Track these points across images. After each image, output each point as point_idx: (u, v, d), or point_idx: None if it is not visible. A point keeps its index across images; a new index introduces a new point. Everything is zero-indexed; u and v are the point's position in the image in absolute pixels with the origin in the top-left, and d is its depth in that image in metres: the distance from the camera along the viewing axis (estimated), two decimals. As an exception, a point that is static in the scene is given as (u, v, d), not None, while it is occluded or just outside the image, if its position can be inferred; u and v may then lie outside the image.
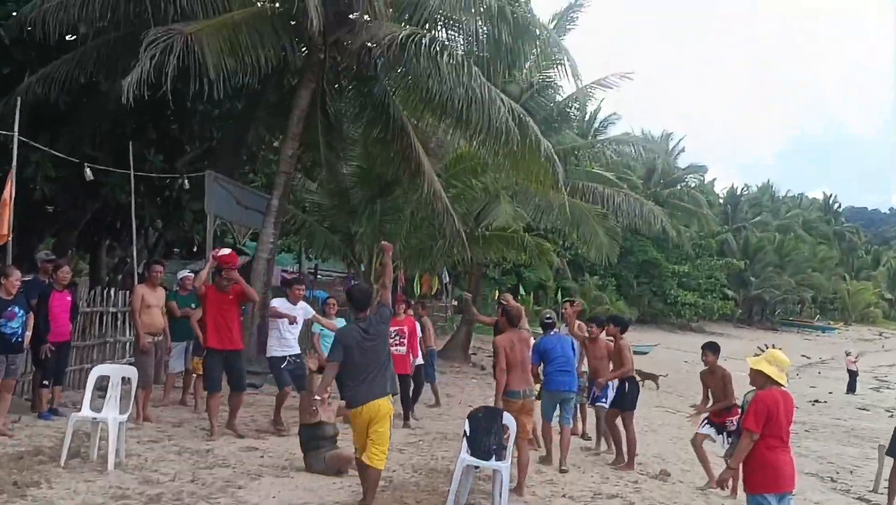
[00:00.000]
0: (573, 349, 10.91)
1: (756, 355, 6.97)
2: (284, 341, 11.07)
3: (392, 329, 11.67)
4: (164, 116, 19.07)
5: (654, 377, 23.17)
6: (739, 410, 10.15)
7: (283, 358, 11.03)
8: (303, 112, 16.42)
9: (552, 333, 10.94)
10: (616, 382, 11.51)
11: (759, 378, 6.79)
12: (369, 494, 7.53)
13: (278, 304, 11.30)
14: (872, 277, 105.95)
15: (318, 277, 33.08)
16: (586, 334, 12.06)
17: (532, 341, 9.80)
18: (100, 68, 15.32)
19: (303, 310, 11.30)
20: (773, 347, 6.96)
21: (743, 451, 6.58)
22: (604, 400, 11.72)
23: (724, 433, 10.40)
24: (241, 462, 8.91)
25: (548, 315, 11.27)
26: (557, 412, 10.49)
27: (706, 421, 10.71)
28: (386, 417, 7.46)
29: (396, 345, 12.09)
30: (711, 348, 11.06)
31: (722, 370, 10.75)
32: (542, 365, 10.46)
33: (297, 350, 11.24)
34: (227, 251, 10.54)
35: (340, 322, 12.30)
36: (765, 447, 6.48)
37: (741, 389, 21.10)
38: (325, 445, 8.85)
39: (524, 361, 9.27)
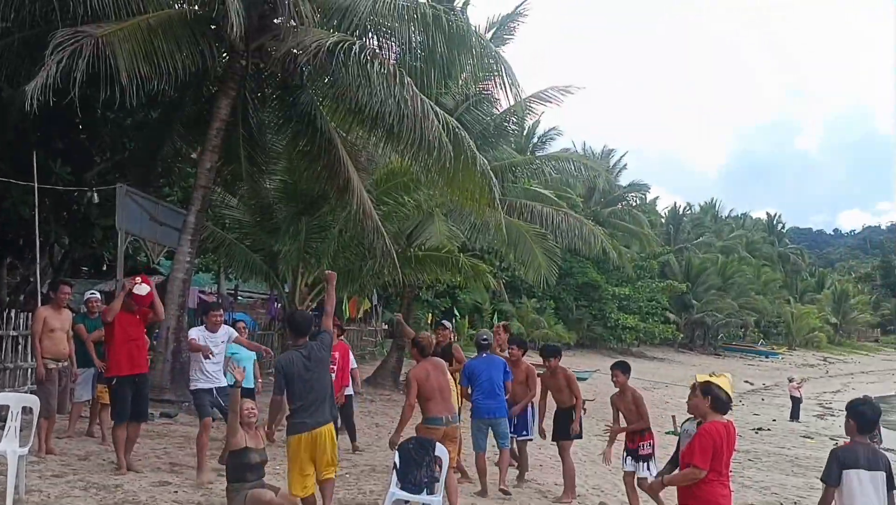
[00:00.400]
0: (505, 372, 11.11)
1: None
2: (209, 373, 10.58)
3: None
4: (71, 125, 18.75)
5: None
6: (652, 435, 10.31)
7: (209, 390, 10.55)
8: (223, 122, 16.31)
9: (483, 354, 11.21)
10: (535, 410, 11.82)
11: (700, 406, 6.85)
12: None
13: (195, 334, 10.67)
14: (817, 300, 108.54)
15: (239, 298, 32.74)
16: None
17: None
18: (1, 72, 15.01)
19: (225, 335, 11.01)
20: (714, 374, 7.02)
21: (681, 482, 6.68)
22: (526, 433, 11.77)
23: (641, 461, 10.40)
24: (152, 498, 8.74)
25: (484, 336, 11.53)
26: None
27: (625, 454, 10.65)
28: (330, 443, 7.80)
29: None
30: (621, 368, 10.84)
31: (632, 390, 10.76)
32: (469, 389, 10.88)
33: (222, 382, 10.86)
34: (145, 290, 10.26)
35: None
36: (702, 481, 6.55)
37: (668, 414, 21.32)
38: (251, 476, 8.68)
39: (442, 387, 9.30)
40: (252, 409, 8.86)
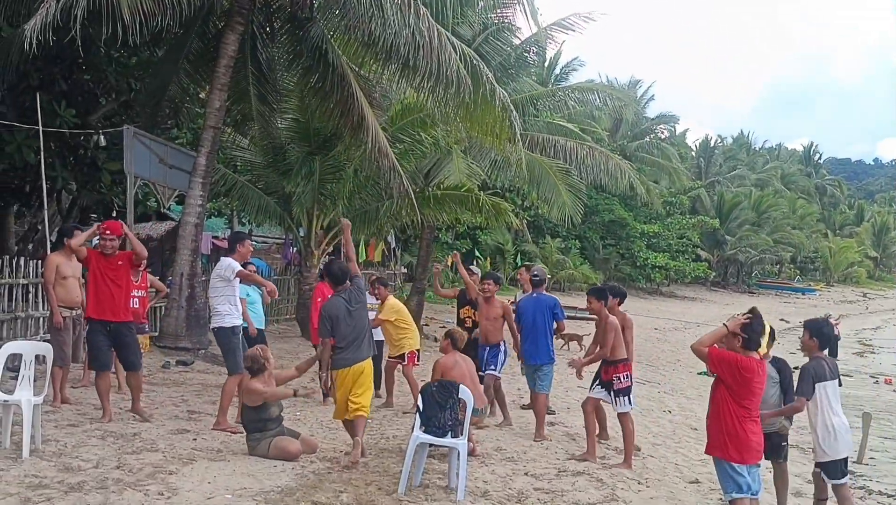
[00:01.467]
0: (554, 312, 11.39)
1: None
2: (236, 309, 10.48)
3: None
4: (74, 66, 18.78)
5: (577, 338, 23.09)
6: (629, 367, 10.21)
7: (241, 329, 10.52)
8: (231, 59, 16.27)
9: (533, 294, 11.64)
10: (502, 345, 11.98)
11: (732, 341, 6.93)
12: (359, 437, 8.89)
13: (237, 265, 10.35)
14: (856, 233, 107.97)
15: (253, 242, 32.94)
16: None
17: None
18: (0, 11, 14.98)
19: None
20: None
21: (711, 338, 7.00)
22: (493, 367, 11.82)
23: (613, 392, 10.13)
24: (171, 446, 8.91)
25: (535, 273, 11.86)
26: None
27: (597, 382, 10.46)
28: (368, 376, 9.03)
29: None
30: (595, 294, 10.46)
31: (607, 317, 10.17)
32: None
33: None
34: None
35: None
36: (734, 417, 6.77)
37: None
38: (271, 425, 8.90)
39: (468, 377, 9.53)
40: (269, 360, 9.09)
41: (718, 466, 7.00)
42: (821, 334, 8.31)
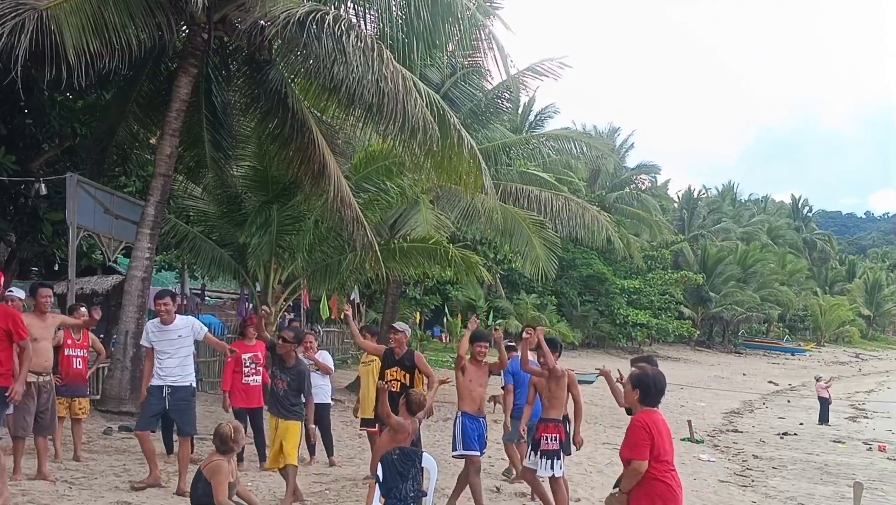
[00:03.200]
0: None
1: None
2: (164, 368, 10.68)
3: (245, 355, 12.62)
4: (15, 109, 18.70)
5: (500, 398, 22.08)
6: (559, 429, 10.26)
7: (159, 388, 10.64)
8: (183, 103, 16.30)
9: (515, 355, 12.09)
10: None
11: (630, 397, 6.96)
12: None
13: (150, 328, 10.93)
14: (847, 290, 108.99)
15: (206, 299, 32.77)
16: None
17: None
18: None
19: (187, 328, 10.92)
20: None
21: (629, 481, 6.78)
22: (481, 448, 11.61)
23: (544, 457, 10.19)
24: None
25: (510, 341, 12.84)
26: None
27: (528, 447, 10.71)
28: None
29: (252, 374, 12.62)
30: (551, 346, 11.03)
31: (562, 370, 10.59)
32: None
33: (181, 380, 10.75)
34: None
35: (326, 355, 13.73)
36: (661, 476, 6.77)
37: (684, 420, 21.32)
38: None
39: None
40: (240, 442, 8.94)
41: None
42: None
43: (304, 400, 10.37)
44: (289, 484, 10.08)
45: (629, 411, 7.48)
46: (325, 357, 13.77)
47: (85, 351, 12.46)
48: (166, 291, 11.59)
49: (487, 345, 11.39)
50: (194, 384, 10.77)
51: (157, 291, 12.27)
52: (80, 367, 12.27)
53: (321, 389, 13.03)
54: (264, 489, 11.08)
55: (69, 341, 12.12)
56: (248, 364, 12.64)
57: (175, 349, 10.62)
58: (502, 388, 12.70)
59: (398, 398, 10.04)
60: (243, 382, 12.71)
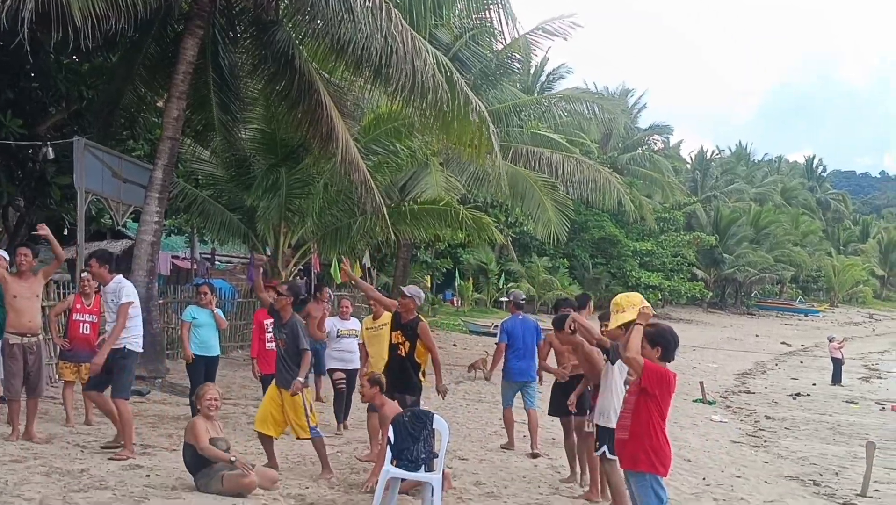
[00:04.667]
0: (537, 333, 12.29)
1: None
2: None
3: (267, 321, 12.33)
4: (21, 73, 18.65)
5: (482, 362, 21.01)
6: None
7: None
8: (190, 65, 16.23)
9: (520, 315, 12.50)
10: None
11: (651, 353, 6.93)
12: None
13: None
14: (861, 251, 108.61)
15: (216, 263, 32.82)
16: None
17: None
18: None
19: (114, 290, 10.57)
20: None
21: (633, 343, 6.86)
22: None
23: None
24: (122, 483, 8.79)
25: (522, 296, 13.15)
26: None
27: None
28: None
29: (270, 341, 12.27)
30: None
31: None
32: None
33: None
34: None
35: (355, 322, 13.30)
36: (659, 430, 6.94)
37: (696, 381, 21.30)
38: (219, 465, 8.79)
39: None
40: (214, 399, 8.99)
41: (642, 481, 7.01)
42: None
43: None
44: (321, 457, 9.79)
45: (606, 352, 8.58)
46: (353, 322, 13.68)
47: (94, 316, 12.12)
48: (96, 252, 11.35)
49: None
50: (130, 347, 10.23)
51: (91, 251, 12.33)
52: (88, 332, 11.97)
53: (354, 355, 12.97)
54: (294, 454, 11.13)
55: (78, 306, 11.96)
56: (270, 330, 12.19)
57: (108, 312, 10.56)
58: (496, 344, 12.90)
59: (403, 363, 10.27)
60: (266, 347, 12.71)
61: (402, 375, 10.16)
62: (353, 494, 9.18)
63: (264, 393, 11.37)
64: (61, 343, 12.01)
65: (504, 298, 12.07)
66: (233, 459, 8.68)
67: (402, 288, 11.53)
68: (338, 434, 12.66)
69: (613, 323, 7.16)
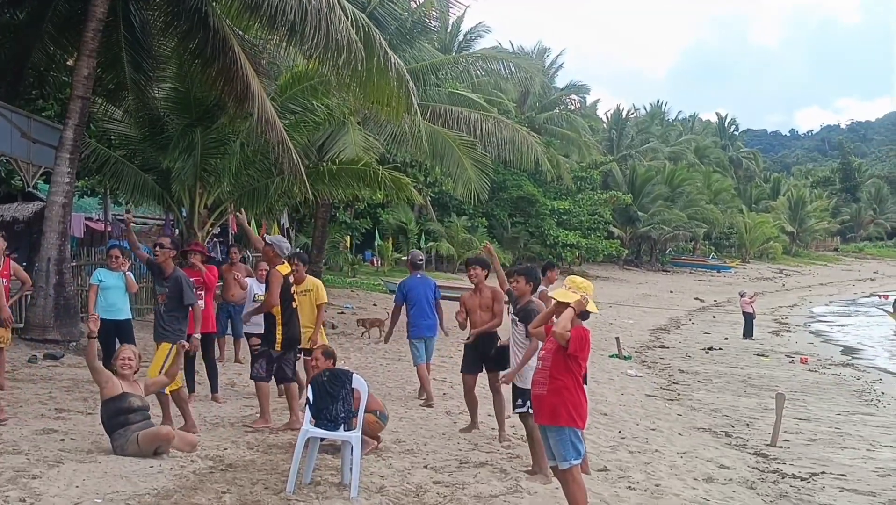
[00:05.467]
0: (435, 291, 13.08)
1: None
2: None
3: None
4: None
5: (379, 323, 20.91)
6: None
7: None
8: (100, 23, 15.89)
9: (418, 274, 13.18)
10: None
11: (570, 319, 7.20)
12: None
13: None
14: (772, 208, 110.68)
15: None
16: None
17: None
18: None
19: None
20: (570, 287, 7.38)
21: (546, 317, 7.38)
22: None
23: None
24: (35, 448, 8.66)
25: (420, 256, 13.83)
26: None
27: None
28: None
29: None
30: (480, 264, 11.35)
31: (492, 288, 11.19)
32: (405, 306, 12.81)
33: None
34: None
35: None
36: (577, 386, 7.26)
37: (612, 337, 21.64)
38: (135, 417, 8.70)
39: None
40: (129, 359, 8.91)
41: (561, 435, 7.23)
42: (535, 278, 9.72)
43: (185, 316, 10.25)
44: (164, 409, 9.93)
45: (510, 295, 9.69)
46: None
47: (5, 280, 11.69)
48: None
49: (479, 268, 11.19)
50: None
51: None
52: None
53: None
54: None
55: None
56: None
57: None
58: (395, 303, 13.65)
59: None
60: None
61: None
62: (272, 453, 9.16)
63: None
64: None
65: (405, 258, 12.52)
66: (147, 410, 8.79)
67: (265, 236, 11.42)
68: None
69: (560, 296, 7.22)
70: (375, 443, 9.39)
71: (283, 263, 10.70)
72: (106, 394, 8.75)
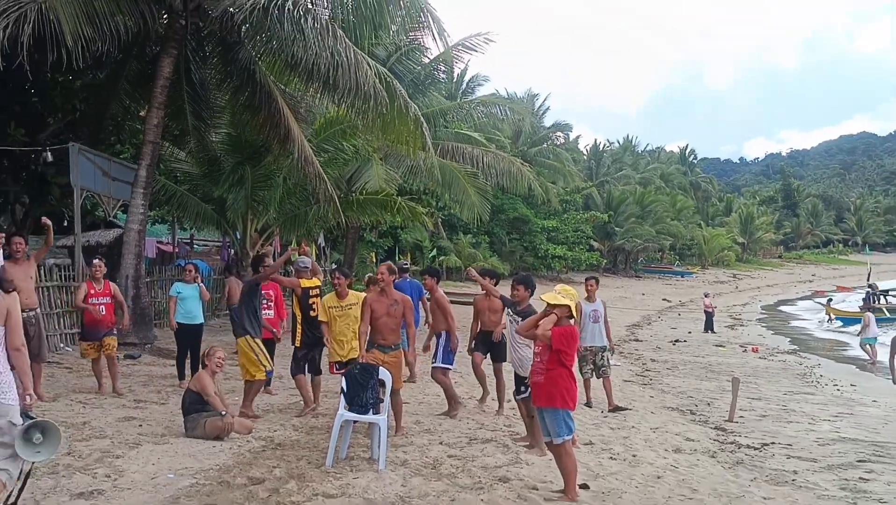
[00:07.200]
0: (420, 292, 13.32)
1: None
2: None
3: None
4: (23, 89, 18.18)
5: None
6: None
7: None
8: (166, 80, 15.97)
9: (407, 279, 13.40)
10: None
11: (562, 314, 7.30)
12: None
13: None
14: (726, 223, 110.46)
15: (195, 246, 32.33)
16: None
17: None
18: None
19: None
20: (559, 292, 7.41)
21: (544, 325, 7.26)
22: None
23: None
24: (118, 432, 8.69)
25: (405, 263, 12.84)
26: None
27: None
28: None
29: (264, 308, 11.56)
30: (429, 273, 11.88)
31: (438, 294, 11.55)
32: None
33: None
34: None
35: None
36: (568, 375, 7.31)
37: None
38: (208, 408, 8.76)
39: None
40: (223, 359, 9.02)
41: (555, 415, 7.30)
42: (532, 285, 9.45)
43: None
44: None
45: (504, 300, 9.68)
46: None
47: (108, 298, 11.52)
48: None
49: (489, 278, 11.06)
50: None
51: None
52: (104, 313, 11.35)
53: None
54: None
55: (91, 291, 11.38)
56: (263, 300, 11.70)
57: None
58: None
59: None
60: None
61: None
62: (314, 434, 9.17)
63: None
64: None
65: (404, 262, 12.39)
66: (223, 413, 8.76)
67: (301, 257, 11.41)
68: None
69: (551, 299, 7.28)
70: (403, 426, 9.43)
71: (307, 277, 10.88)
72: (194, 387, 8.89)
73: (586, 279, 13.66)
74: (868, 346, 24.15)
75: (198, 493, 6.77)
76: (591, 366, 12.76)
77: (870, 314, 25.23)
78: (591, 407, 12.55)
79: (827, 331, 35.19)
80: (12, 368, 5.87)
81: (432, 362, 11.24)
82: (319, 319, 10.08)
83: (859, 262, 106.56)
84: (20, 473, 5.79)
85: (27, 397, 5.90)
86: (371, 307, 9.18)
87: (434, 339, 11.44)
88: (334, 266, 36.80)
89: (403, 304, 9.24)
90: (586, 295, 13.11)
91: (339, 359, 9.90)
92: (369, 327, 9.18)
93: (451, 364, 11.27)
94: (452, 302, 12.73)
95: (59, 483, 6.79)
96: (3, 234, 10.76)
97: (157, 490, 6.82)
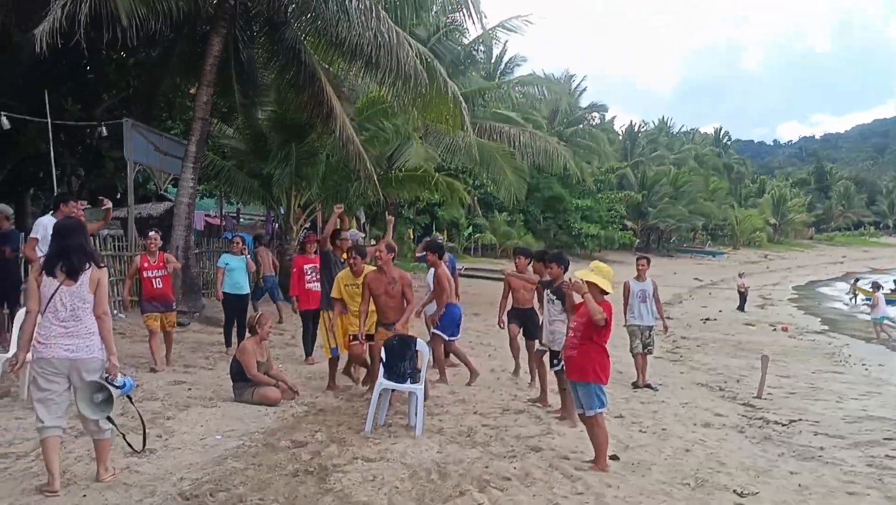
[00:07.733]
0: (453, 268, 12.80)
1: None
2: None
3: (307, 266, 11.98)
4: (79, 66, 18.44)
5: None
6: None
7: None
8: (216, 59, 16.06)
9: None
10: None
11: (593, 291, 7.21)
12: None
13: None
14: (758, 204, 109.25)
15: (241, 219, 32.66)
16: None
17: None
18: (11, 19, 14.69)
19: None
20: (593, 270, 7.37)
21: (592, 306, 7.11)
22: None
23: None
24: (169, 395, 8.87)
25: (439, 237, 12.48)
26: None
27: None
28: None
29: (314, 281, 11.73)
30: (431, 248, 11.57)
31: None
32: None
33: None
34: None
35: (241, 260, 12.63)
36: (603, 350, 7.32)
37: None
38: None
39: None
40: (272, 327, 9.16)
41: (588, 388, 7.31)
42: (566, 262, 9.34)
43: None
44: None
45: (555, 289, 9.13)
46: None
47: (163, 271, 11.16)
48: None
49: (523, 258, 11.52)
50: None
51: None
52: (161, 286, 11.00)
53: None
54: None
55: (146, 264, 11.03)
56: (309, 273, 11.89)
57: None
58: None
59: None
60: (306, 287, 11.96)
61: None
62: (354, 401, 9.29)
63: (303, 324, 12.10)
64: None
65: (439, 237, 12.13)
66: (274, 383, 8.98)
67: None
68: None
69: (586, 276, 7.26)
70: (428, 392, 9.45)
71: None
72: (239, 357, 9.04)
73: (637, 258, 13.42)
74: (877, 324, 23.83)
75: (244, 454, 6.91)
76: (639, 341, 12.70)
77: (879, 294, 24.81)
78: (639, 387, 12.32)
79: (862, 314, 34.69)
80: None
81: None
82: (332, 295, 9.76)
83: (890, 244, 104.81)
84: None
85: (110, 360, 6.06)
86: (369, 286, 9.05)
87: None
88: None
89: (401, 281, 9.02)
90: (636, 274, 12.97)
91: (355, 332, 9.46)
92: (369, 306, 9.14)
93: (448, 335, 11.03)
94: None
95: (114, 442, 6.95)
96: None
97: (205, 450, 6.97)
